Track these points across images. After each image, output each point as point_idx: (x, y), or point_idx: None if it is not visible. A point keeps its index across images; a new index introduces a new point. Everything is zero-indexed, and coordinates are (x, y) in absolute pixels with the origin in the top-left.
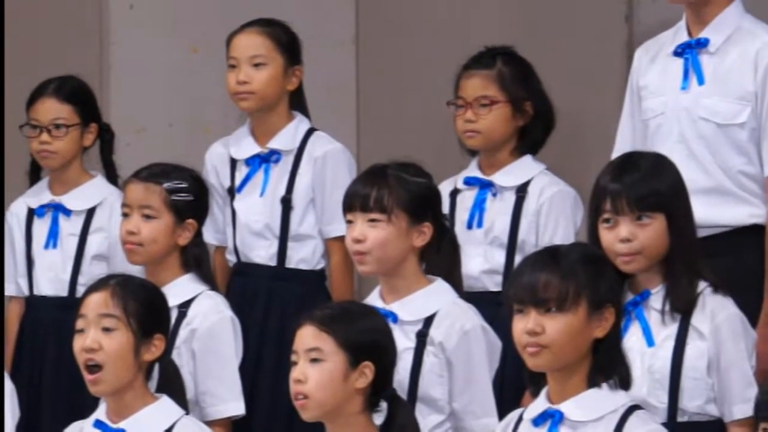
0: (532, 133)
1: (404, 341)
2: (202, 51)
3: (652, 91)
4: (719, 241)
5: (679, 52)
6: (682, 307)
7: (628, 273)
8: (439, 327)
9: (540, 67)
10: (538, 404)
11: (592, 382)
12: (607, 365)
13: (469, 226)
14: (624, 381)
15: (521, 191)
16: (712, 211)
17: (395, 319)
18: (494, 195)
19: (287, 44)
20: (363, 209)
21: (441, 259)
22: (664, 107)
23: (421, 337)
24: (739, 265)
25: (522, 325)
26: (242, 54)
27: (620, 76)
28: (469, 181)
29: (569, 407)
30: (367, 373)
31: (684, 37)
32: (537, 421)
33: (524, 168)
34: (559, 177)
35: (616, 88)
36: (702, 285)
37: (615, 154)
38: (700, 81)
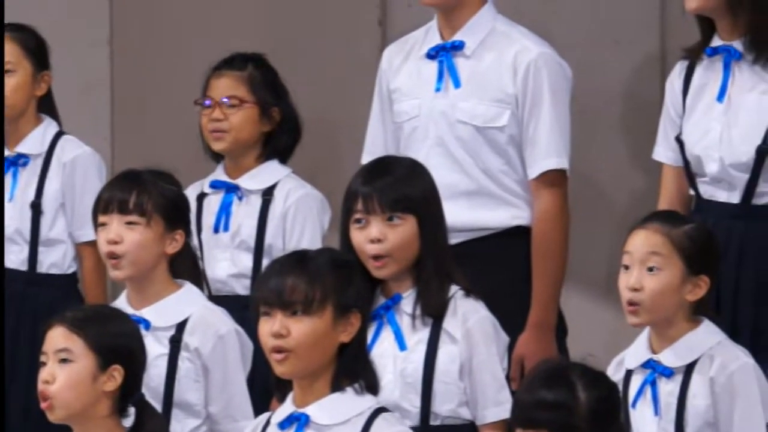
0: (279, 139)
1: (157, 347)
2: None
3: (405, 94)
4: (483, 244)
5: (432, 55)
6: (434, 311)
7: (380, 278)
8: (193, 333)
9: (294, 71)
10: (285, 408)
11: (337, 386)
12: (351, 369)
13: (216, 230)
14: (370, 385)
15: (267, 195)
16: (475, 213)
17: (147, 325)
18: (240, 199)
19: (35, 50)
20: (121, 211)
21: (183, 266)
22: (419, 110)
23: (175, 343)
24: (504, 268)
25: (268, 327)
26: None
27: (373, 81)
28: (216, 185)
29: (314, 410)
30: (116, 376)
31: (437, 40)
32: (283, 425)
33: (270, 172)
34: (312, 181)
35: (370, 93)
36: (453, 289)
37: (365, 156)
38: (456, 84)
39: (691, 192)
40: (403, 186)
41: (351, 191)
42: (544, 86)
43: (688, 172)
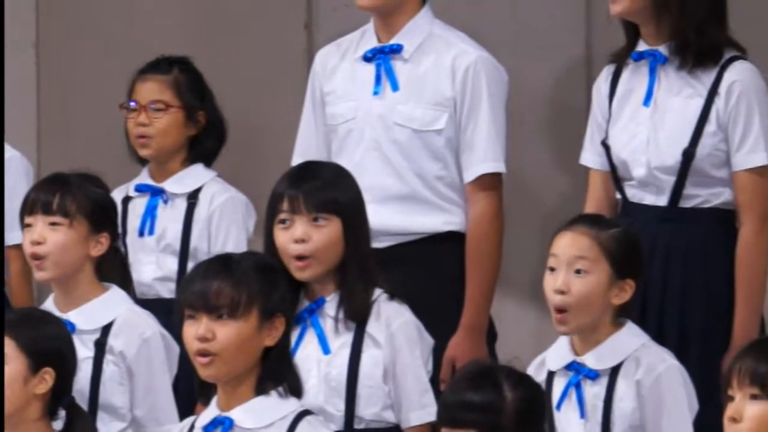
0: (204, 143)
1: (83, 350)
2: None
3: (340, 96)
4: (414, 248)
5: (369, 57)
6: (357, 314)
7: (302, 280)
8: (118, 336)
9: (219, 74)
10: (209, 412)
11: (261, 390)
12: (276, 373)
13: (141, 234)
14: (294, 388)
15: (192, 198)
16: (407, 218)
17: (73, 328)
18: (165, 202)
19: None
20: (45, 212)
21: (111, 269)
22: (355, 113)
23: (100, 346)
24: (436, 273)
25: (193, 330)
26: None
27: (299, 84)
28: (141, 189)
29: (239, 414)
30: (47, 379)
31: (373, 43)
32: (208, 429)
33: (195, 175)
34: (237, 185)
35: (296, 97)
36: (377, 292)
37: (296, 159)
38: (394, 87)
39: (618, 196)
40: (329, 189)
41: (276, 193)
42: (482, 90)
43: (615, 176)
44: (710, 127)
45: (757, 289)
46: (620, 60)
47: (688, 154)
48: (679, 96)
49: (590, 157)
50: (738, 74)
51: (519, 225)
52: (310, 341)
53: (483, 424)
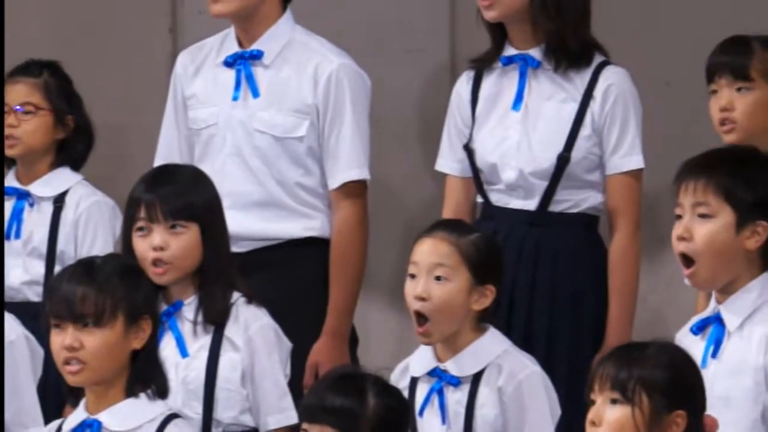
0: (72, 147)
1: None
2: None
3: (201, 101)
4: (275, 253)
5: (230, 63)
6: (215, 318)
7: (161, 284)
8: None
9: (85, 79)
10: (77, 414)
11: (131, 392)
12: (144, 375)
13: (8, 237)
14: (161, 390)
15: (59, 202)
16: (267, 224)
17: None
18: (32, 205)
19: None
20: None
21: None
22: (216, 118)
23: None
24: (297, 278)
25: (60, 340)
26: None
27: (165, 88)
28: (7, 191)
29: (107, 417)
30: None
31: (234, 48)
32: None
33: (61, 178)
34: (103, 188)
35: (161, 100)
36: (236, 296)
37: (158, 162)
38: (255, 93)
39: (480, 200)
40: (186, 194)
41: (133, 198)
42: (344, 98)
43: (478, 181)
44: (585, 130)
45: (631, 293)
46: (483, 64)
47: (563, 159)
48: (552, 100)
49: (447, 163)
50: (613, 78)
51: (382, 230)
52: (168, 344)
53: (341, 427)
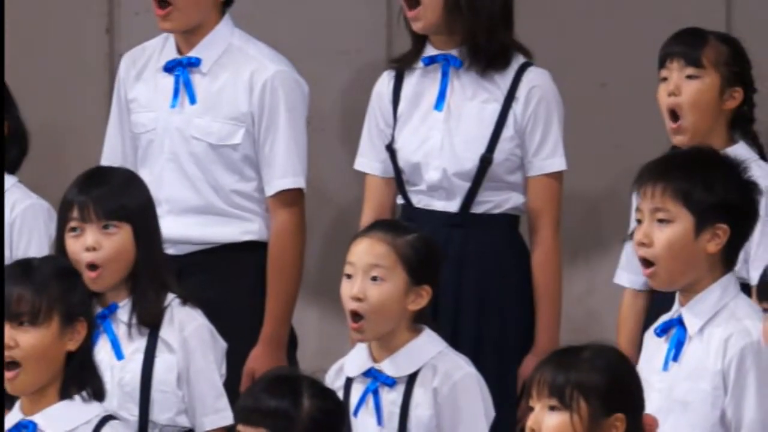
0: (7, 152)
1: None
2: None
3: (143, 106)
4: (213, 256)
5: (169, 69)
6: (150, 319)
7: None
8: None
9: (20, 81)
10: (12, 416)
11: (65, 394)
12: (79, 377)
13: None
14: (97, 392)
15: None
16: (204, 229)
17: None
18: None
19: None
20: None
21: None
22: (155, 123)
23: None
24: (234, 280)
25: None
26: None
27: (101, 89)
28: None
29: (42, 419)
30: None
31: (173, 54)
32: None
33: None
34: (38, 191)
35: (98, 102)
36: (170, 297)
37: (104, 164)
38: (192, 100)
39: (401, 201)
40: (118, 195)
41: (66, 200)
42: (280, 105)
43: (400, 181)
44: (507, 132)
45: (557, 294)
46: (404, 65)
47: (486, 160)
48: (475, 100)
49: (368, 163)
50: (536, 80)
51: (319, 231)
52: (103, 346)
53: (275, 428)
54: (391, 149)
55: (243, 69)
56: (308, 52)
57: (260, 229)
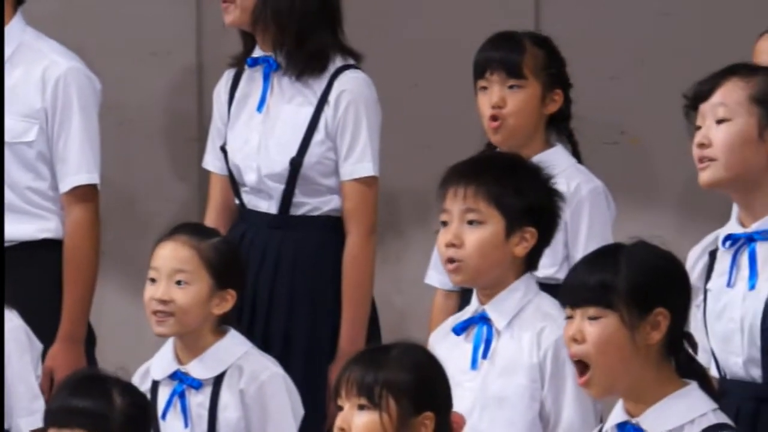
0: None
1: None
2: None
3: None
4: (11, 255)
5: None
6: None
7: None
8: None
9: None
10: None
11: None
12: None
13: None
14: None
15: None
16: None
17: None
18: None
19: None
20: None
21: None
22: None
23: None
24: (34, 278)
25: None
26: None
27: None
28: None
29: None
30: None
31: None
32: None
33: None
34: None
35: None
36: None
37: None
38: None
39: (237, 201)
40: None
41: None
42: (72, 101)
43: (233, 181)
44: (319, 135)
45: (363, 298)
46: (239, 65)
47: (296, 163)
48: (291, 103)
49: (211, 161)
50: (347, 84)
51: (126, 231)
52: None
53: (91, 428)
54: (223, 149)
55: (35, 66)
56: (118, 54)
57: (57, 228)
